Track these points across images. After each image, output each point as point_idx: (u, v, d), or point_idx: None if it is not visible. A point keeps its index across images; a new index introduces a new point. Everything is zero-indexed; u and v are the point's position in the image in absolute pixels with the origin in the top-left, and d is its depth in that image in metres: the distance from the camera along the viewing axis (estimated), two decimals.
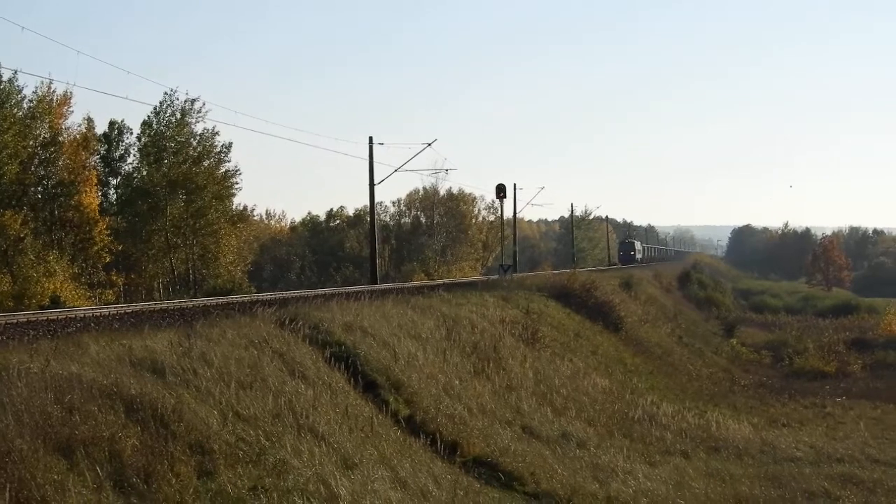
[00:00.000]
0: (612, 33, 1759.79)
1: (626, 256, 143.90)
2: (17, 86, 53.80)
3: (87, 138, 61.15)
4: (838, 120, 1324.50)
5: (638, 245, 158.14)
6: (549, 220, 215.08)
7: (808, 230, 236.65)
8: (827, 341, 71.92)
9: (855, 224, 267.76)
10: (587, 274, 74.75)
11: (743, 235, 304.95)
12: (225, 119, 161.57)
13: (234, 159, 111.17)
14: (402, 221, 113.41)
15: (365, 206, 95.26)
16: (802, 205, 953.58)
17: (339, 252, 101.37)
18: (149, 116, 65.89)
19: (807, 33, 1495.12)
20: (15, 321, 23.72)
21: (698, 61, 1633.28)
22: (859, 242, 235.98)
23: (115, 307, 31.43)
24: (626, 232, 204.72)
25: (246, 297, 37.56)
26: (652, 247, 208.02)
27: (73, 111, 59.97)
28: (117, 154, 66.95)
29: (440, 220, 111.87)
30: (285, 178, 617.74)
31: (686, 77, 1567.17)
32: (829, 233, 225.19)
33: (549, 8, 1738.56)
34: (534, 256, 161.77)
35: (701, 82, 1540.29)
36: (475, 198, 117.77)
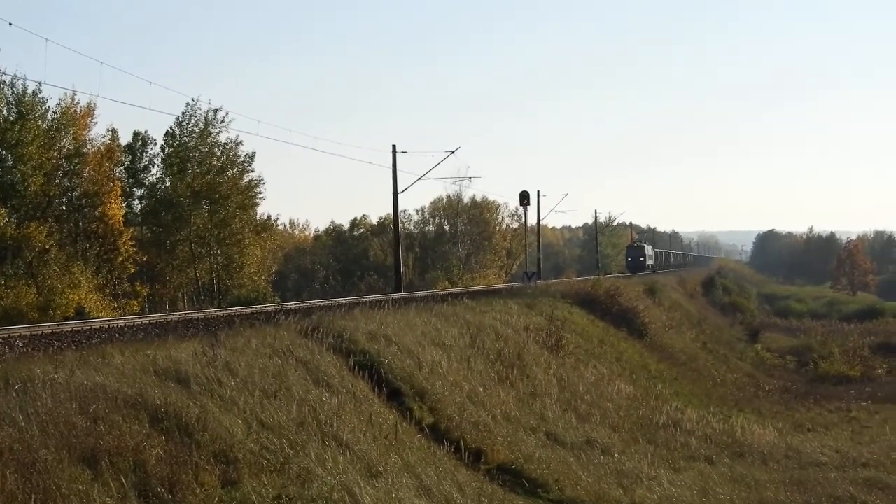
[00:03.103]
0: (639, 43, 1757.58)
1: (636, 263, 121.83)
2: (42, 97, 53.99)
3: (111, 149, 61.11)
4: (866, 122, 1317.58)
5: (649, 249, 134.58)
6: (573, 226, 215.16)
7: (832, 234, 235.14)
8: (852, 346, 71.66)
9: (880, 228, 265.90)
10: (611, 280, 74.44)
11: (767, 240, 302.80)
12: (248, 129, 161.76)
13: (258, 169, 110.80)
14: (426, 229, 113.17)
15: (388, 214, 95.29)
16: (827, 209, 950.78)
17: (362, 261, 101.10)
18: (172, 127, 66.04)
19: (836, 38, 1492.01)
20: (40, 332, 23.90)
21: (724, 77, 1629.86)
22: (885, 246, 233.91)
23: (139, 318, 31.61)
24: (644, 237, 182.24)
25: (270, 307, 37.66)
26: (667, 251, 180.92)
27: (96, 122, 59.89)
28: (141, 165, 66.84)
29: (464, 227, 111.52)
30: (309, 188, 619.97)
31: (712, 89, 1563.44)
32: (853, 237, 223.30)
33: (571, 20, 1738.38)
34: (558, 263, 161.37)
35: (728, 92, 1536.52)
36: (499, 205, 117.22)
